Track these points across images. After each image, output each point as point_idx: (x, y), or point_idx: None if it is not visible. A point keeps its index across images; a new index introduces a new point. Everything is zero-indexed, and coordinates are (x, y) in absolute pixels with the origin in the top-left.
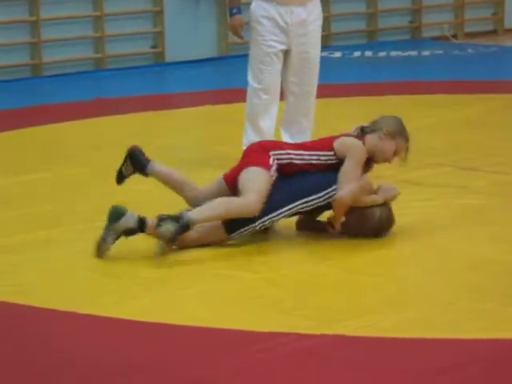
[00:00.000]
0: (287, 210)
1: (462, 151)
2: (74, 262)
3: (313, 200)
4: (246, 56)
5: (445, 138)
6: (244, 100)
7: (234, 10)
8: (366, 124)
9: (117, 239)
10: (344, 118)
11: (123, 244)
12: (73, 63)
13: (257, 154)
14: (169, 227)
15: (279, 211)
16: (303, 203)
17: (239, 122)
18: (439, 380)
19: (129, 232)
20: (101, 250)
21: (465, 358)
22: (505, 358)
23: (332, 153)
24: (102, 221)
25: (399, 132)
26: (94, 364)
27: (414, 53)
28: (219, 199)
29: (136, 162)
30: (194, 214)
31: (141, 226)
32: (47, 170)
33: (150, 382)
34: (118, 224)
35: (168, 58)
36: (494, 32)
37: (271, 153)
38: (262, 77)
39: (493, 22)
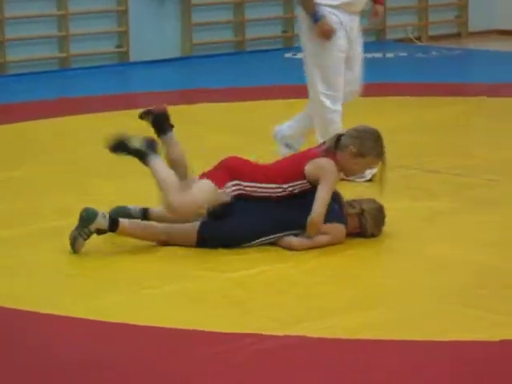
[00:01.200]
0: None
1: (426, 154)
2: (41, 261)
3: (275, 237)
4: (209, 57)
5: (409, 140)
6: (206, 100)
7: (319, 14)
8: (342, 133)
9: (88, 238)
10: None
11: (93, 242)
12: (37, 62)
13: (219, 173)
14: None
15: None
16: (270, 239)
17: (200, 122)
18: (407, 380)
19: (101, 232)
20: (75, 248)
21: (425, 360)
22: (465, 359)
23: (305, 181)
24: (72, 219)
25: (369, 149)
26: (58, 362)
27: (378, 55)
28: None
29: (159, 124)
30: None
31: (112, 226)
32: (14, 168)
33: (110, 380)
34: (90, 226)
35: (132, 58)
36: (458, 35)
37: (230, 183)
38: (338, 85)
39: (456, 25)
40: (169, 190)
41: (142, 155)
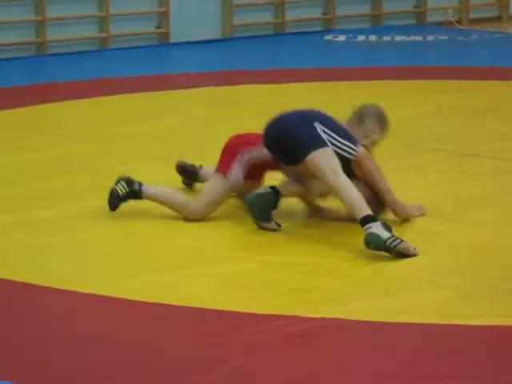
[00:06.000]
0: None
1: (464, 137)
2: (77, 240)
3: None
4: (249, 38)
5: (447, 123)
6: (246, 82)
7: None
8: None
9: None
10: (345, 101)
11: (123, 222)
12: (77, 42)
13: (224, 156)
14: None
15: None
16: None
17: (240, 104)
18: (438, 363)
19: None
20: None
21: (465, 343)
22: (502, 343)
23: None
24: (102, 200)
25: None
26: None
27: (418, 38)
28: (174, 193)
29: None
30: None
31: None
32: (51, 148)
33: (148, 361)
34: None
35: (172, 39)
36: (499, 18)
37: (234, 164)
38: None
39: (498, 9)
40: (183, 205)
41: (136, 195)
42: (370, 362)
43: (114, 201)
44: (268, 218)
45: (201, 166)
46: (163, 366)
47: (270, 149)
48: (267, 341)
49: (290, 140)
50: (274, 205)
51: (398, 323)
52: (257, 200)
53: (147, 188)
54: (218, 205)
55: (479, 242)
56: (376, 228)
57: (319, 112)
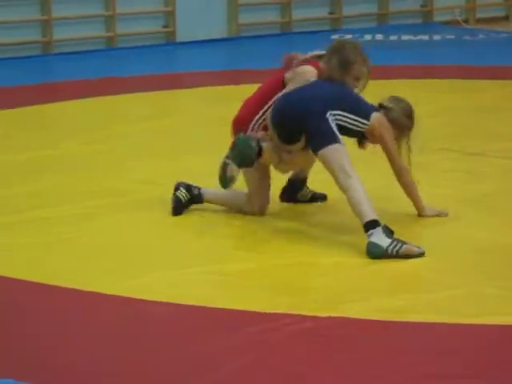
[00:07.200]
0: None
1: (471, 137)
2: (78, 240)
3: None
4: (255, 37)
5: (453, 123)
6: (252, 81)
7: None
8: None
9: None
10: None
11: (125, 220)
12: (83, 41)
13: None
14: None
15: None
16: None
17: None
18: (440, 362)
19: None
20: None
21: (466, 342)
22: (504, 342)
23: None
24: (105, 199)
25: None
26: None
27: (425, 37)
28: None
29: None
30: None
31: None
32: (56, 147)
33: (151, 360)
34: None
35: (179, 38)
36: (506, 18)
37: (252, 123)
38: None
39: (504, 8)
40: (241, 201)
41: (197, 199)
42: (372, 360)
43: (178, 207)
44: (243, 163)
45: None
46: (166, 365)
47: (275, 123)
48: (271, 339)
49: (302, 129)
50: (252, 152)
51: (401, 322)
52: (241, 139)
53: (205, 191)
54: (265, 182)
55: (483, 242)
56: (376, 235)
57: (330, 91)
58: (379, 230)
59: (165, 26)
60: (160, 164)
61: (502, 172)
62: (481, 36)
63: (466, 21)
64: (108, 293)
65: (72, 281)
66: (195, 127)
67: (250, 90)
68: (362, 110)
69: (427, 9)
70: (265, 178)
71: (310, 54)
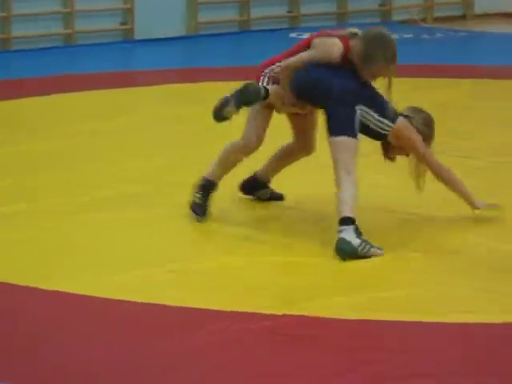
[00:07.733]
0: None
1: None
2: (42, 238)
3: None
4: (214, 35)
5: None
6: (211, 79)
7: None
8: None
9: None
10: None
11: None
12: (42, 38)
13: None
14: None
15: None
16: None
17: (204, 101)
18: (394, 360)
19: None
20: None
21: (432, 341)
22: (472, 340)
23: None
24: (70, 198)
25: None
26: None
27: None
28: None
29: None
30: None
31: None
32: (15, 144)
33: (134, 359)
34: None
35: (137, 36)
36: (463, 17)
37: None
38: None
39: (462, 7)
40: (239, 148)
41: (211, 189)
42: (331, 358)
43: (202, 210)
44: (243, 104)
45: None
46: (147, 363)
47: (298, 94)
48: (250, 338)
49: (326, 106)
50: (257, 98)
51: (360, 320)
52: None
53: (208, 173)
54: (266, 112)
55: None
56: (347, 233)
57: (359, 84)
58: (351, 228)
59: (123, 24)
60: (122, 162)
61: (462, 172)
62: (439, 35)
63: (423, 20)
64: (78, 292)
65: (42, 279)
66: (153, 125)
67: (207, 87)
68: (388, 112)
69: (386, 8)
70: (267, 108)
71: (350, 29)
